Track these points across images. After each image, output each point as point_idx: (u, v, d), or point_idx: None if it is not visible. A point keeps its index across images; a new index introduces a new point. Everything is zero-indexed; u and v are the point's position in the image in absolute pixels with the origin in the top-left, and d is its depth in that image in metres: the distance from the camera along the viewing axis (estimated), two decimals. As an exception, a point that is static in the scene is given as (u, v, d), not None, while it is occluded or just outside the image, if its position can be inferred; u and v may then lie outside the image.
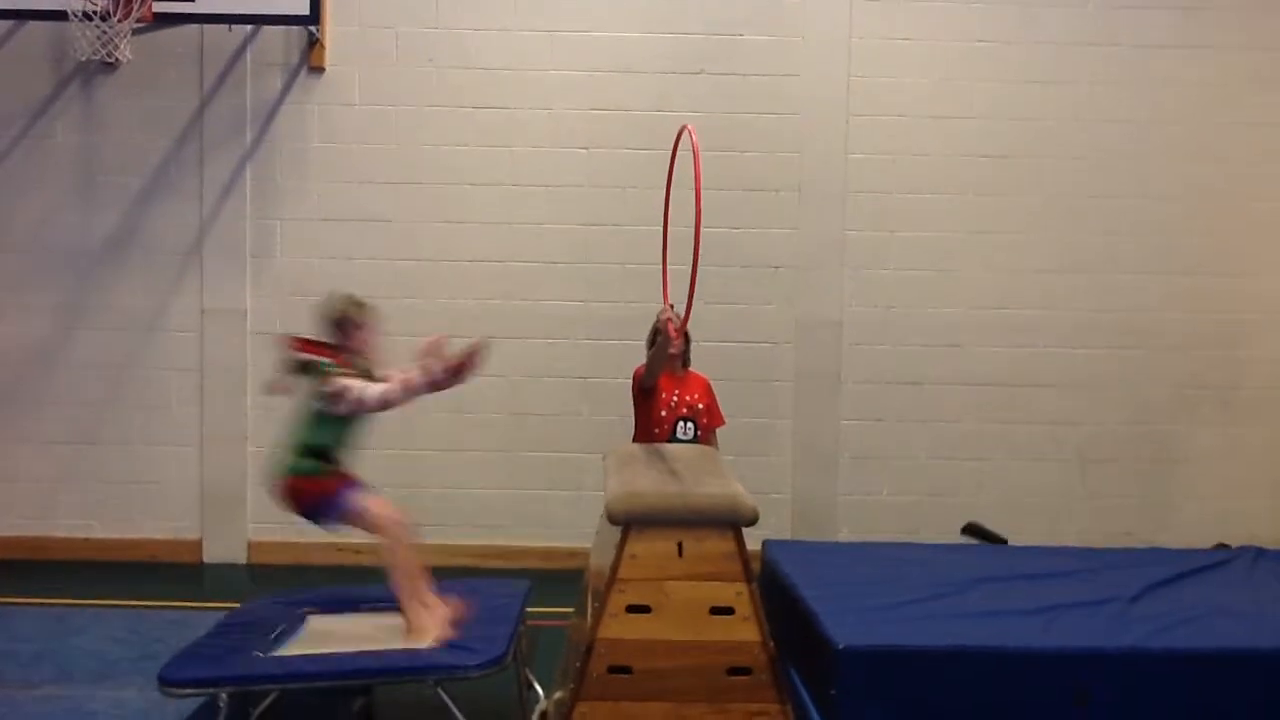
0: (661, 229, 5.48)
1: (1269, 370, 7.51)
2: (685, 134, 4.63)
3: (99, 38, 6.21)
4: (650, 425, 5.73)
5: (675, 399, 5.73)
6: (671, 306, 5.60)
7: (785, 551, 5.18)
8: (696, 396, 5.83)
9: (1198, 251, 7.49)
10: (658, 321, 5.53)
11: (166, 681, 3.88)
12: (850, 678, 3.96)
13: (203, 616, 5.23)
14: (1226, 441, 7.52)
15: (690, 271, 4.36)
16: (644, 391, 5.75)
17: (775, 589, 4.84)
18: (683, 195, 4.71)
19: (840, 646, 3.97)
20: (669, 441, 5.64)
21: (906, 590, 4.62)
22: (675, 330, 5.38)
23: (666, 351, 5.50)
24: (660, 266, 5.53)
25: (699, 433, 5.76)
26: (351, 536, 7.25)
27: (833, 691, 3.98)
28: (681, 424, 5.74)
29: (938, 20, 7.38)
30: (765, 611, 3.99)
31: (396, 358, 7.28)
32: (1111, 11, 7.39)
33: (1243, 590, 4.79)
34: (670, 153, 5.16)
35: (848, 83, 7.36)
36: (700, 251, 4.43)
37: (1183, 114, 7.45)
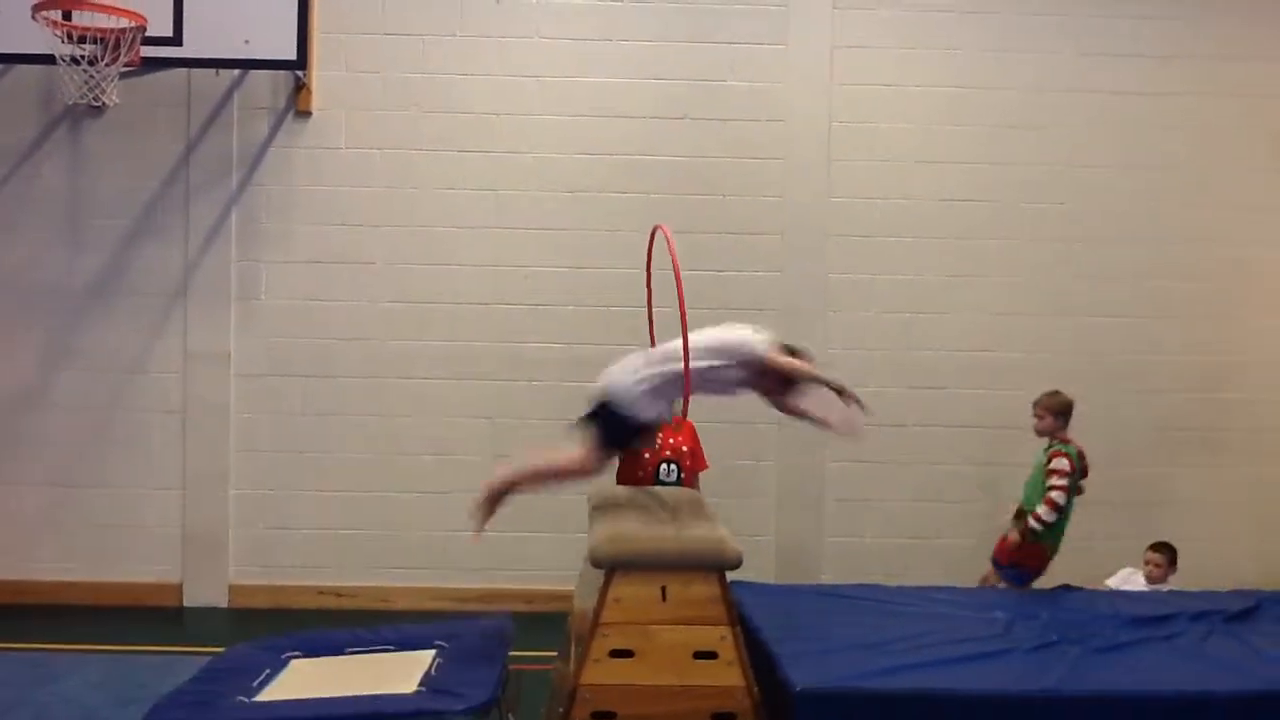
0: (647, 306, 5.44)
1: (1251, 412, 7.57)
2: (659, 234, 4.59)
3: (86, 81, 6.23)
4: (634, 468, 5.74)
5: (659, 441, 5.74)
6: None
7: (750, 594, 5.15)
8: (681, 439, 5.84)
9: (1179, 295, 7.56)
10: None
11: (148, 729, 3.84)
12: None
13: (183, 661, 5.19)
14: (1210, 483, 7.56)
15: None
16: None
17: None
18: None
19: (798, 689, 3.92)
20: (653, 484, 5.65)
21: (870, 633, 4.55)
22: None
23: (656, 432, 5.53)
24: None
25: (683, 475, 5.76)
26: (333, 580, 7.31)
27: None
28: (665, 466, 5.75)
29: (918, 67, 7.48)
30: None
31: (392, 400, 7.32)
32: (1089, 59, 7.50)
33: (1214, 636, 4.77)
34: (646, 251, 5.13)
35: (830, 128, 7.44)
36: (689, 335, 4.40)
37: (1161, 160, 7.54)
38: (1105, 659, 4.33)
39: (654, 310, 5.22)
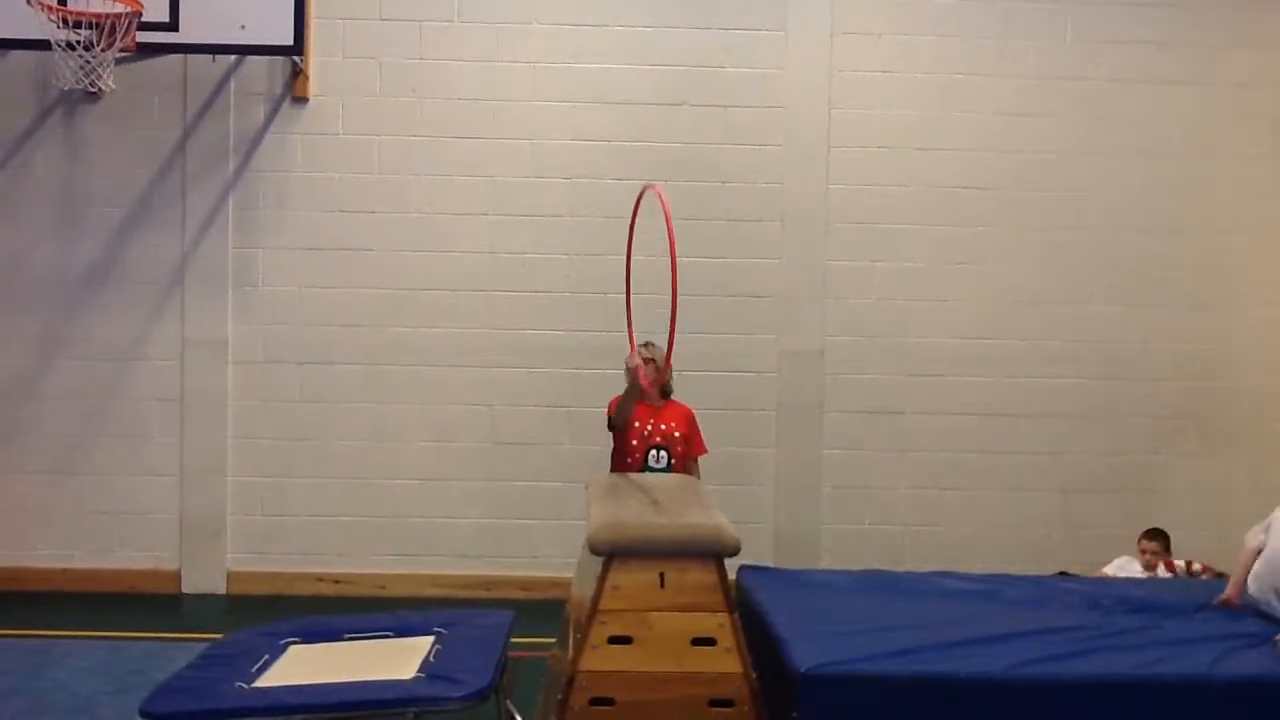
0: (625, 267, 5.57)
1: (1247, 400, 7.57)
2: (650, 194, 4.68)
3: (82, 67, 6.20)
4: (624, 454, 5.75)
5: (649, 428, 5.74)
6: (648, 345, 5.73)
7: (759, 578, 5.17)
8: (673, 425, 5.84)
9: (1176, 283, 7.55)
10: (627, 366, 5.61)
11: (148, 715, 3.82)
12: (812, 702, 3.92)
13: (181, 648, 5.19)
14: (1206, 471, 7.56)
15: (670, 323, 4.40)
16: (613, 427, 5.80)
17: (748, 615, 4.83)
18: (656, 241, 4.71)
19: (802, 670, 3.94)
20: (641, 470, 5.66)
21: (877, 617, 4.58)
22: (645, 379, 5.48)
23: (636, 395, 5.58)
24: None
25: (673, 461, 5.76)
26: (331, 567, 7.32)
27: (794, 715, 3.94)
28: (654, 452, 5.75)
29: (918, 53, 7.46)
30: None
31: (390, 388, 7.32)
32: (1089, 46, 7.48)
33: (1216, 621, 4.78)
34: (632, 209, 5.27)
35: (829, 114, 7.42)
36: (679, 300, 4.46)
37: (1159, 148, 7.53)
38: (1107, 644, 4.35)
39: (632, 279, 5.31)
